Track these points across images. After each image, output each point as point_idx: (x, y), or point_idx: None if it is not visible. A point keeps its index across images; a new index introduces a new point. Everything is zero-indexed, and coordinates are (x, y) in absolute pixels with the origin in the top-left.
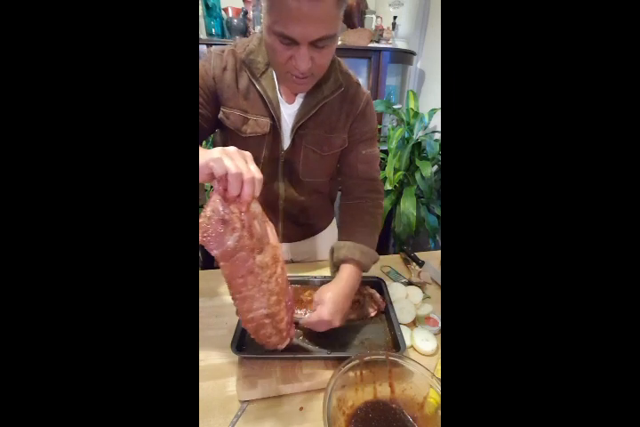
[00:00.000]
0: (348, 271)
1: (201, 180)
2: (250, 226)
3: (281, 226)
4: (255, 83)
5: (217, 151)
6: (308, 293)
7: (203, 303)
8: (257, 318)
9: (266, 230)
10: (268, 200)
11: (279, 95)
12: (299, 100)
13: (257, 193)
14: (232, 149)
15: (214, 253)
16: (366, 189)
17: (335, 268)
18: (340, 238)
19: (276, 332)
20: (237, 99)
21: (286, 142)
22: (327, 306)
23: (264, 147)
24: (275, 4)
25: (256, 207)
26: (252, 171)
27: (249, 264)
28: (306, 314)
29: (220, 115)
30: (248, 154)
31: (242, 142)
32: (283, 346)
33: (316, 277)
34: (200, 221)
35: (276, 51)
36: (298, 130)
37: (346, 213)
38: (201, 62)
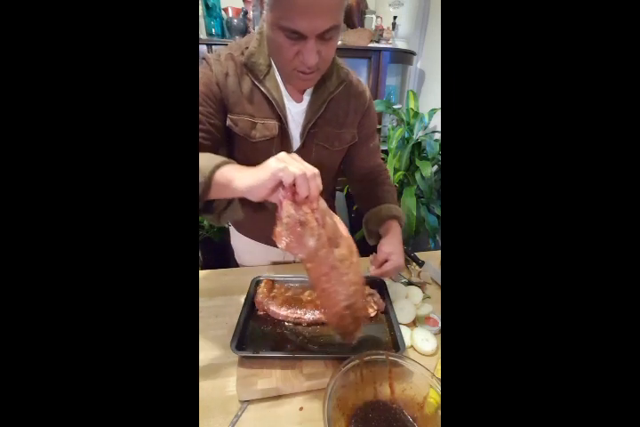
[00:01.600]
0: (394, 226)
1: (265, 195)
2: (324, 223)
3: None
4: (259, 85)
5: (274, 162)
6: (307, 293)
7: (203, 303)
8: (339, 311)
9: (336, 224)
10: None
11: (285, 95)
12: (306, 98)
13: (321, 186)
14: (283, 154)
15: (300, 256)
16: (377, 172)
17: (373, 234)
18: (365, 210)
19: (353, 320)
20: (243, 104)
21: (296, 142)
22: (400, 256)
23: (273, 149)
24: (280, 0)
25: (322, 203)
26: (310, 168)
27: (330, 260)
28: (305, 315)
29: (228, 122)
30: (294, 155)
31: (251, 147)
32: (357, 334)
33: None
34: (278, 229)
35: (282, 47)
36: (310, 129)
37: (365, 191)
38: (202, 70)
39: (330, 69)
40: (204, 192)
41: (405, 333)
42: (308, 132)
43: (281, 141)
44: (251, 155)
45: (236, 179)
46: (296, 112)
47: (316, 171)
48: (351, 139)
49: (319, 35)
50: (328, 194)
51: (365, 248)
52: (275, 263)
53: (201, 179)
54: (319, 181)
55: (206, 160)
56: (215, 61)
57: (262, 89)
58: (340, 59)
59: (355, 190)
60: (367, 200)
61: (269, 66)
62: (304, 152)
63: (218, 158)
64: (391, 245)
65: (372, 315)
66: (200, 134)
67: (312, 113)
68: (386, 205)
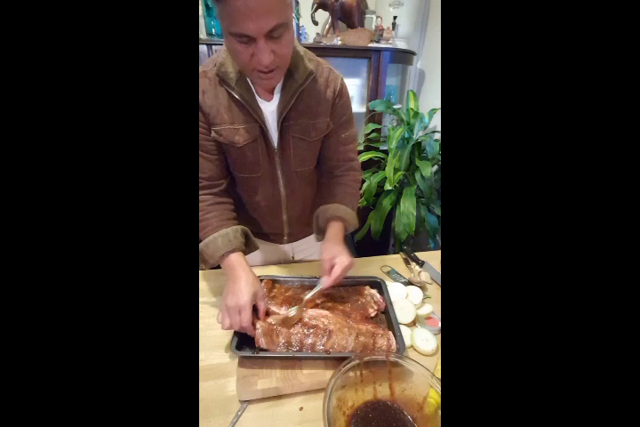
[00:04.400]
0: (336, 227)
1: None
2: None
3: (286, 227)
4: (232, 92)
5: (223, 309)
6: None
7: (203, 303)
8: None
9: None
10: (272, 203)
11: (257, 97)
12: (276, 95)
13: (244, 321)
14: (230, 305)
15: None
16: (346, 168)
17: (320, 230)
18: (319, 205)
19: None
20: (222, 114)
21: (275, 138)
22: (343, 255)
23: (259, 150)
24: (224, 8)
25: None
26: (240, 322)
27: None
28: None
29: (213, 134)
30: (243, 304)
31: (238, 152)
32: None
33: (316, 278)
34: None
35: (237, 52)
36: (283, 122)
37: (326, 187)
38: None
39: (295, 64)
40: (206, 262)
41: (405, 333)
42: (283, 125)
43: (264, 141)
44: (239, 159)
45: (227, 279)
46: (270, 111)
47: (245, 325)
48: (326, 127)
49: (267, 34)
50: (312, 186)
51: (364, 249)
52: (274, 263)
53: (211, 260)
54: (243, 315)
55: (220, 242)
56: None
57: (236, 95)
58: (339, 58)
59: (319, 183)
60: (324, 195)
61: (239, 72)
62: (284, 147)
63: (229, 244)
64: (331, 250)
65: (372, 315)
66: (201, 152)
67: (283, 107)
68: (335, 205)
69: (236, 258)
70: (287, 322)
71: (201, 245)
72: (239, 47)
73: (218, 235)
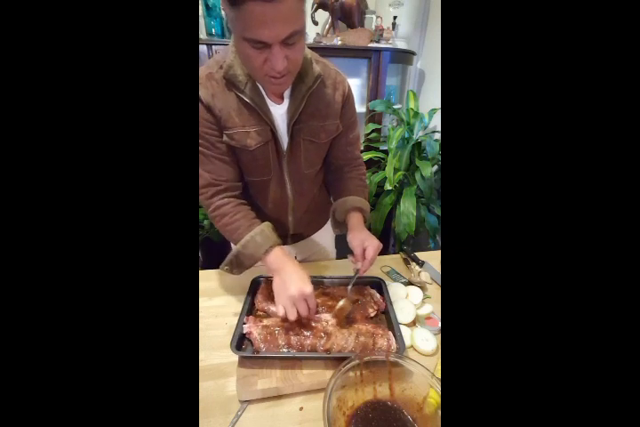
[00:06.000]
0: (357, 217)
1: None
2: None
3: (291, 228)
4: (242, 95)
5: (286, 300)
6: None
7: (203, 303)
8: None
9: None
10: (279, 205)
11: (267, 100)
12: (286, 99)
13: (313, 305)
14: (295, 295)
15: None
16: (354, 165)
17: (338, 225)
18: (335, 200)
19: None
20: (233, 117)
21: (285, 141)
22: (372, 238)
23: (269, 153)
24: (240, 13)
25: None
26: (299, 311)
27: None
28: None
29: (225, 138)
30: (309, 293)
31: (249, 156)
32: None
33: (316, 277)
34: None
35: (250, 57)
36: (294, 125)
37: (338, 183)
38: None
39: (305, 68)
40: (242, 264)
41: (405, 333)
42: (293, 128)
43: (274, 144)
44: (250, 162)
45: (274, 270)
46: (280, 114)
47: (304, 313)
48: (336, 129)
49: (282, 41)
50: (318, 186)
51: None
52: None
53: (249, 261)
54: (311, 302)
55: (260, 240)
56: (200, 85)
57: (246, 99)
58: (339, 58)
59: (328, 181)
60: (337, 191)
61: (248, 75)
62: (293, 149)
63: (266, 242)
64: (359, 236)
65: (372, 315)
66: (216, 154)
67: (293, 110)
68: (351, 197)
69: (281, 251)
70: (340, 313)
71: (237, 247)
72: (252, 52)
73: (254, 233)
